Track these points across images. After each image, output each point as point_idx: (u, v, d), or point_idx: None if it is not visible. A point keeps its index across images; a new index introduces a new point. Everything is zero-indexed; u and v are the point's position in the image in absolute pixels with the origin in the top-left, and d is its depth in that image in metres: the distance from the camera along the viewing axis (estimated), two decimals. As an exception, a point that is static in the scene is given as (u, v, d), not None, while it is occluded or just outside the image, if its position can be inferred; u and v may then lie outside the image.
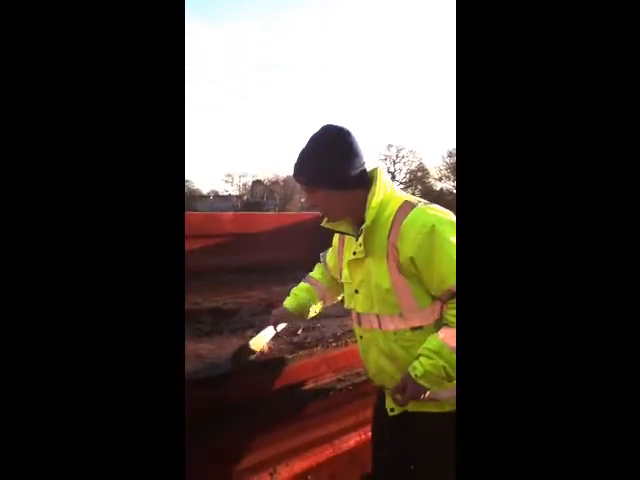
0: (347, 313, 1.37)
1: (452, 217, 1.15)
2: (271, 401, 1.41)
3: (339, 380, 1.58)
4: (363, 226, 1.20)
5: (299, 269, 3.33)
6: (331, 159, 1.19)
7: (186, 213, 3.88)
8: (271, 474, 1.40)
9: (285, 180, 34.60)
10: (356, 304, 1.27)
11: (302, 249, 3.81)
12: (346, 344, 1.58)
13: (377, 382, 1.32)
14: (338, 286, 1.46)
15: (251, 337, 1.46)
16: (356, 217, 1.24)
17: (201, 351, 1.52)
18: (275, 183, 35.26)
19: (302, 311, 1.46)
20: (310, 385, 1.52)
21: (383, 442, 1.38)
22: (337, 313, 2.05)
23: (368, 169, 1.23)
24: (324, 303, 1.51)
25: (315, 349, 1.55)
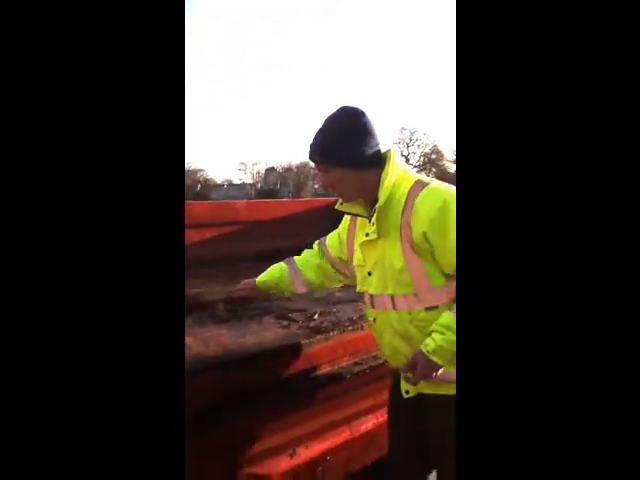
0: (360, 297, 1.38)
1: None
2: (290, 385, 1.43)
3: (356, 363, 1.60)
4: (376, 206, 1.20)
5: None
6: (346, 138, 1.20)
7: (200, 202, 3.93)
8: (290, 455, 1.43)
9: (298, 167, 34.54)
10: (369, 286, 1.28)
11: (317, 235, 3.83)
12: (362, 328, 1.59)
13: (392, 364, 1.33)
14: (325, 274, 1.48)
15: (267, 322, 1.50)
16: (369, 198, 1.25)
17: (221, 338, 1.55)
18: (288, 170, 35.21)
19: (268, 288, 1.50)
20: (327, 369, 1.54)
21: (399, 424, 1.39)
22: (351, 297, 2.06)
23: (382, 150, 1.24)
24: (294, 287, 1.50)
25: (332, 333, 1.57)
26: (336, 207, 1.34)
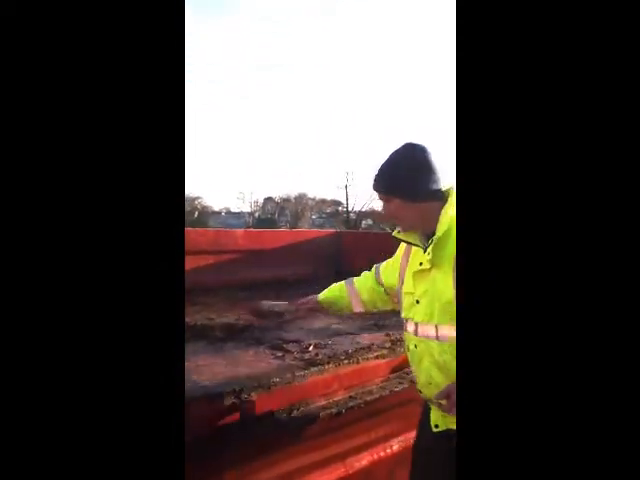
0: (358, 330, 1.37)
1: None
2: (282, 419, 1.40)
3: (351, 398, 1.57)
4: (434, 237, 1.28)
5: (312, 285, 3.37)
6: (408, 172, 1.31)
7: (198, 229, 3.95)
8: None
9: (296, 197, 34.81)
10: (415, 314, 1.34)
11: (314, 265, 3.84)
12: (358, 362, 1.58)
13: (425, 393, 1.35)
14: (378, 297, 1.58)
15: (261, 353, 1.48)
16: (426, 229, 1.34)
17: (215, 367, 1.54)
18: (286, 200, 35.45)
19: (329, 304, 1.63)
20: (321, 402, 1.51)
21: (424, 458, 1.40)
22: (348, 330, 2.05)
23: (443, 187, 1.33)
24: (351, 306, 1.62)
25: (326, 366, 1.55)
26: (393, 234, 1.44)
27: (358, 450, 1.59)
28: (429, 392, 1.32)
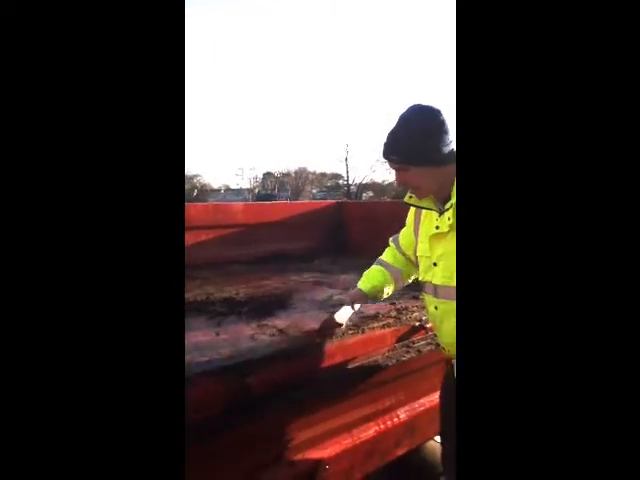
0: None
1: None
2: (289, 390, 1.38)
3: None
4: (452, 201, 1.23)
5: (313, 258, 3.34)
6: (423, 137, 1.23)
7: (197, 204, 3.89)
8: (291, 463, 1.37)
9: (296, 172, 34.59)
10: (434, 276, 1.32)
11: (315, 238, 3.80)
12: (363, 331, 1.54)
13: (450, 352, 1.36)
14: (410, 268, 1.53)
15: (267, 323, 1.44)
16: (442, 193, 1.29)
17: (215, 341, 1.51)
18: (286, 175, 35.27)
19: (376, 293, 1.51)
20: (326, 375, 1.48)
21: (452, 408, 1.42)
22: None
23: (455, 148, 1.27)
24: (396, 285, 1.55)
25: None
26: (405, 200, 1.38)
27: (366, 420, 1.57)
28: (454, 350, 1.31)
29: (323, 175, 36.17)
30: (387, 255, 1.58)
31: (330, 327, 1.44)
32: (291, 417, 1.37)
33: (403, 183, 1.31)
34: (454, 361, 1.35)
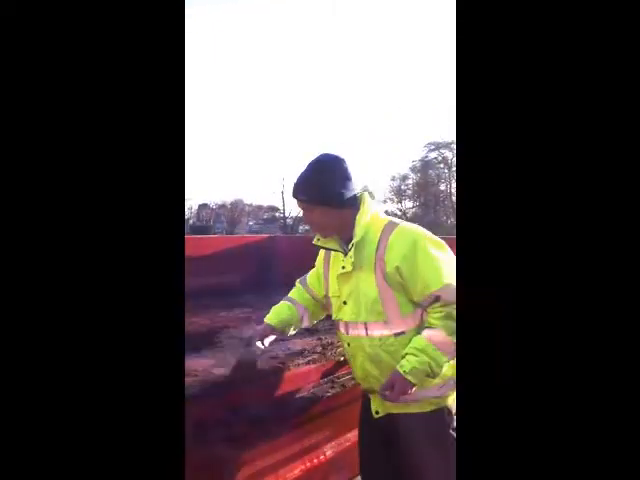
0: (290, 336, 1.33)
1: (428, 233, 1.38)
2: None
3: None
4: (353, 241, 1.36)
5: (244, 293, 3.30)
6: (329, 181, 1.37)
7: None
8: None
9: (232, 203, 34.32)
10: (344, 314, 1.41)
11: (247, 273, 3.77)
12: (289, 368, 1.55)
13: (364, 385, 1.44)
14: (317, 308, 1.60)
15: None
16: (345, 235, 1.41)
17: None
18: (222, 206, 34.87)
19: (283, 327, 1.54)
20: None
21: (370, 443, 1.49)
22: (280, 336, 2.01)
23: (357, 194, 1.41)
24: (302, 322, 1.60)
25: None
26: (314, 242, 1.49)
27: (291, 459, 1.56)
28: (367, 384, 1.41)
29: (259, 207, 36.18)
30: (294, 293, 1.65)
31: (243, 367, 1.49)
32: (212, 461, 1.33)
33: (309, 222, 1.44)
34: (370, 395, 1.42)
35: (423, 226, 1.39)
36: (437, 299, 1.27)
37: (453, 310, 1.23)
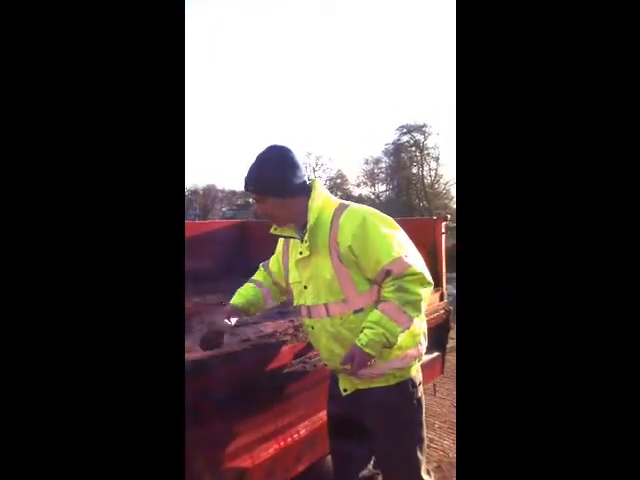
0: (262, 319, 1.34)
1: (376, 212, 1.42)
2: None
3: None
4: (307, 226, 1.40)
5: (217, 279, 3.29)
6: (278, 172, 1.41)
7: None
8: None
9: (204, 189, 33.86)
10: (306, 299, 1.46)
11: (219, 258, 3.75)
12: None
13: (330, 365, 1.49)
14: (278, 291, 1.68)
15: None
16: (299, 222, 1.45)
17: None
18: (194, 193, 34.34)
19: (248, 307, 1.63)
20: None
21: (340, 421, 1.54)
22: (252, 320, 2.03)
23: (307, 181, 1.46)
24: (266, 303, 1.67)
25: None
26: (271, 231, 1.52)
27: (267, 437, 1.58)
28: (333, 363, 1.46)
29: (233, 193, 35.80)
30: (258, 275, 1.72)
31: (211, 339, 1.53)
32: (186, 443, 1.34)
33: (263, 213, 1.47)
34: (337, 374, 1.49)
35: (397, 209, 1.43)
36: (388, 273, 1.32)
37: (404, 282, 1.31)
